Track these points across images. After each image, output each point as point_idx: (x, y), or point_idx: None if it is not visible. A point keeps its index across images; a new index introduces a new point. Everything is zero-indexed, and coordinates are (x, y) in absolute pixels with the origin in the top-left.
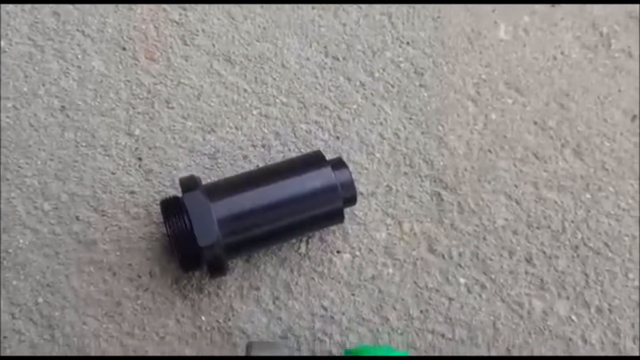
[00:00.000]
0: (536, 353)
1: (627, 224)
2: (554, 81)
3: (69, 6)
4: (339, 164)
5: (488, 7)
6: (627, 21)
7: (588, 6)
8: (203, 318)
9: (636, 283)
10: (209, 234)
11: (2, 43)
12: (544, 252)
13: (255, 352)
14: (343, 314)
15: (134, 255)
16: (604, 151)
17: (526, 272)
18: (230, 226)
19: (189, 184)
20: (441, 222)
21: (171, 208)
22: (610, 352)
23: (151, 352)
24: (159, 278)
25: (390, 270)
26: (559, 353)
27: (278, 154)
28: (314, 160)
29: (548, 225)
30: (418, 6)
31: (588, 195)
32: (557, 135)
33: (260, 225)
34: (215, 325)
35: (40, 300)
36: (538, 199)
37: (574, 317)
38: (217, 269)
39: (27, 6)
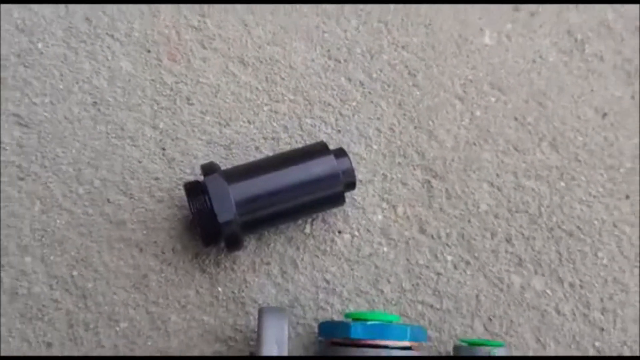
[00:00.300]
0: (514, 323)
1: (597, 210)
2: (533, 82)
3: (100, 12)
4: (340, 153)
5: (475, 15)
6: (599, 28)
7: (564, 14)
8: (219, 289)
9: (605, 261)
10: (228, 211)
11: (40, 45)
12: (522, 234)
13: (265, 316)
14: (343, 286)
15: (158, 234)
16: (577, 144)
17: (506, 251)
18: (245, 206)
19: (210, 168)
20: (431, 206)
21: (194, 190)
22: (580, 323)
23: (173, 319)
24: (181, 254)
25: (385, 249)
26: (535, 323)
27: (286, 145)
28: (318, 150)
29: (526, 209)
30: (411, 14)
31: (562, 184)
32: (535, 130)
33: (270, 206)
34: (231, 295)
35: (75, 273)
36: (517, 187)
37: (548, 291)
38: (234, 244)
39: (62, 12)
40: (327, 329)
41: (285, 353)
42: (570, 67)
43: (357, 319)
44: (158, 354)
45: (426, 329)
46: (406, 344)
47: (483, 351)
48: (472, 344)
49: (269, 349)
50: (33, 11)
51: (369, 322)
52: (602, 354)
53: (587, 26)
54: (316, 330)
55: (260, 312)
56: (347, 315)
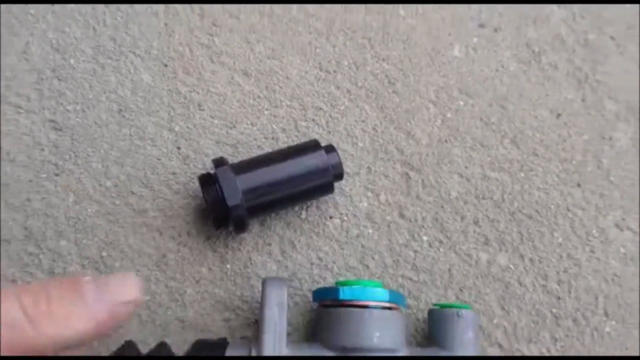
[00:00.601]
0: (482, 293)
1: (553, 196)
2: (496, 88)
3: (123, 33)
4: (330, 149)
5: (445, 31)
6: (554, 42)
7: (523, 30)
8: (228, 266)
9: (560, 240)
10: (235, 197)
11: (72, 61)
12: (488, 217)
13: (268, 284)
14: (334, 263)
15: (175, 220)
16: (535, 141)
17: (474, 232)
18: (250, 193)
19: (219, 162)
20: (409, 194)
21: (207, 180)
22: (540, 293)
23: (189, 292)
24: (195, 237)
25: (370, 231)
26: (500, 293)
27: (284, 144)
28: (311, 146)
29: (491, 196)
30: (391, 31)
31: (522, 174)
32: (498, 129)
33: (271, 194)
34: (238, 271)
35: (104, 254)
36: (483, 177)
37: (511, 266)
38: (240, 226)
39: (91, 33)
40: (319, 294)
41: (284, 314)
42: (529, 75)
43: (344, 284)
44: (177, 322)
45: (405, 296)
46: (386, 304)
47: (451, 312)
48: (443, 306)
49: (270, 310)
50: (65, 32)
51: (355, 286)
52: (559, 319)
53: (543, 40)
54: (311, 299)
55: (264, 281)
56: (337, 283)
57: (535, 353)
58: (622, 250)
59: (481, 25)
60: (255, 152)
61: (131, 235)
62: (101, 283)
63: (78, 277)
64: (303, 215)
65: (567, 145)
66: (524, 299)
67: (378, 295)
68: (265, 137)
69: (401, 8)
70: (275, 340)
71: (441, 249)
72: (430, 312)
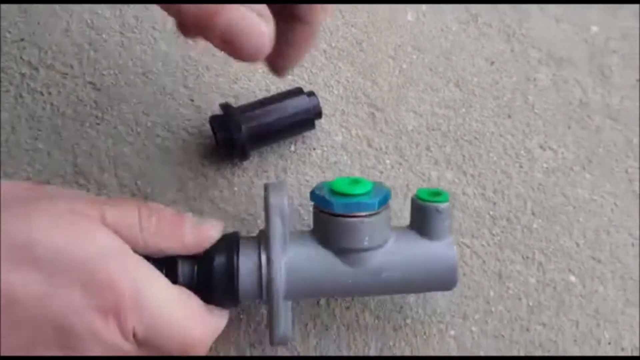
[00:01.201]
0: None
1: (488, 126)
2: (442, 44)
3: (144, 12)
4: (311, 93)
5: (400, 2)
6: (487, 6)
7: None
8: (235, 189)
9: (495, 159)
10: (239, 127)
11: (104, 36)
12: (437, 144)
13: (270, 189)
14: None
15: (193, 155)
16: (474, 84)
17: (426, 155)
18: (250, 128)
19: (226, 105)
20: (374, 129)
21: (216, 118)
22: (480, 200)
23: (206, 210)
24: (208, 167)
25: (345, 158)
26: None
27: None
28: (296, 92)
29: (439, 128)
30: (358, 5)
31: (463, 110)
32: (444, 76)
33: (266, 128)
34: (243, 192)
35: (139, 182)
36: (433, 114)
37: (456, 180)
38: (243, 154)
39: (117, 13)
40: (317, 199)
41: (287, 217)
42: (468, 32)
43: (338, 193)
44: None
45: (389, 188)
46: (374, 212)
47: (431, 207)
48: (424, 200)
49: (274, 210)
50: (98, 14)
51: (348, 200)
52: (495, 219)
53: (479, 5)
54: (300, 213)
55: (266, 186)
56: (331, 185)
57: (477, 246)
58: (544, 165)
59: None
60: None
61: (159, 168)
62: (197, 221)
63: (185, 213)
64: (292, 148)
65: (499, 86)
66: (467, 205)
67: (369, 207)
68: (259, 89)
69: None
70: (280, 242)
71: (401, 170)
72: (413, 201)
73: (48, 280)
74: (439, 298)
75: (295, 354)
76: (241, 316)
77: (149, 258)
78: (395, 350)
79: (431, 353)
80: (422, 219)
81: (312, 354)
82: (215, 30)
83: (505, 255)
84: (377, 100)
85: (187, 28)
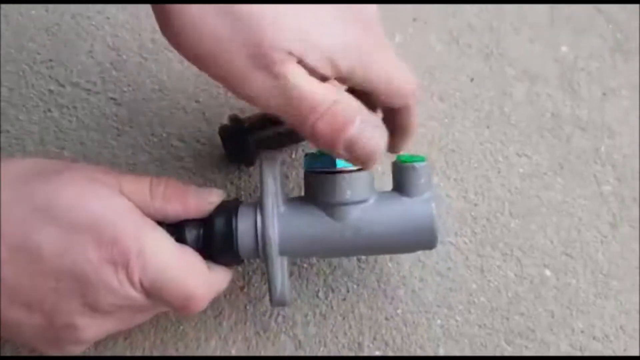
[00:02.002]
0: None
1: (469, 135)
2: (427, 62)
3: (159, 36)
4: None
5: (389, 25)
6: (468, 28)
7: (446, 21)
8: (242, 192)
9: (475, 165)
10: (245, 137)
11: (124, 57)
12: (423, 151)
13: (264, 156)
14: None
15: (203, 162)
16: (456, 97)
17: None
18: (255, 138)
19: (234, 116)
20: None
21: (225, 130)
22: (462, 202)
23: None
24: (217, 173)
25: None
26: None
27: None
28: None
29: (425, 137)
30: None
31: (447, 121)
32: (429, 90)
33: (270, 137)
34: (249, 195)
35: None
36: (419, 124)
37: (441, 184)
38: (249, 161)
39: (137, 36)
40: (306, 162)
41: (278, 179)
42: (450, 52)
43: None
44: None
45: None
46: (355, 168)
47: (407, 165)
48: (402, 161)
49: (266, 176)
50: (118, 37)
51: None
52: (476, 219)
53: (460, 28)
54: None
55: (261, 158)
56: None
57: (460, 244)
58: (520, 170)
59: (414, 19)
60: None
61: (173, 174)
62: (200, 188)
63: (189, 183)
64: (293, 156)
65: (479, 100)
66: (451, 206)
67: (348, 164)
68: None
69: None
70: (273, 200)
71: (390, 175)
72: (393, 164)
73: (66, 236)
74: (427, 291)
75: (297, 341)
76: (247, 307)
77: (162, 224)
78: (387, 338)
79: (420, 340)
80: (401, 178)
81: (312, 341)
82: (340, 144)
83: (486, 251)
84: None
85: (314, 141)
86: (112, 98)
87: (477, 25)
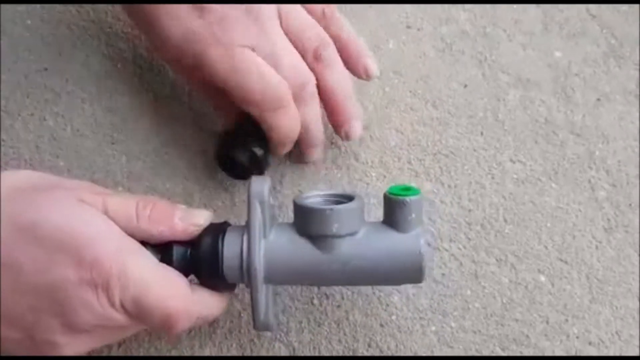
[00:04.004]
0: None
1: (463, 142)
2: (420, 69)
3: None
4: None
5: (383, 32)
6: (461, 35)
7: (439, 28)
8: (236, 199)
9: (469, 171)
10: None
11: (119, 66)
12: (417, 158)
13: (253, 179)
14: None
15: (198, 170)
16: (449, 104)
17: (407, 168)
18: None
19: (225, 132)
20: (361, 145)
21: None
22: (456, 208)
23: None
24: (212, 180)
25: (335, 171)
26: (427, 209)
27: None
28: None
29: (419, 144)
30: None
31: (440, 127)
32: (422, 97)
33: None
34: (243, 202)
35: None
36: (413, 131)
37: (435, 190)
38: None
39: (132, 45)
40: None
41: (266, 205)
42: (443, 59)
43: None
44: None
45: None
46: (344, 200)
47: (398, 200)
48: (393, 194)
49: (254, 201)
50: (113, 46)
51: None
52: (471, 225)
53: (453, 34)
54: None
55: (250, 181)
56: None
57: (454, 250)
58: (514, 176)
59: (408, 27)
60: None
61: (167, 182)
62: (188, 210)
63: (177, 204)
64: (287, 163)
65: (472, 106)
66: (445, 212)
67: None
68: None
69: (351, 17)
70: (260, 227)
71: (385, 181)
72: (384, 196)
73: (48, 256)
74: (422, 297)
75: (291, 348)
76: (241, 314)
77: (148, 244)
78: (381, 344)
79: (414, 347)
80: (391, 212)
81: (307, 348)
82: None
83: (480, 257)
84: (364, 119)
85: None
86: (107, 106)
87: (470, 32)
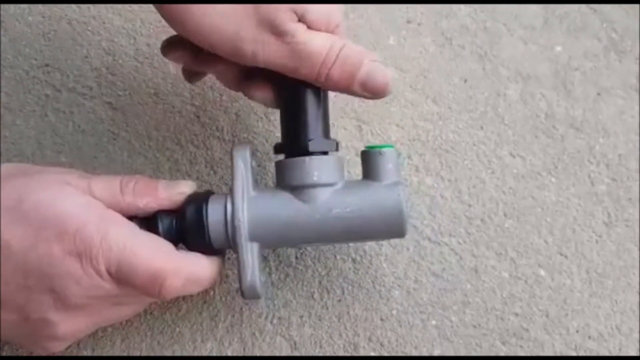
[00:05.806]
0: (415, 204)
1: (463, 136)
2: (421, 64)
3: (155, 40)
4: None
5: (383, 28)
6: (461, 30)
7: (439, 23)
8: None
9: (469, 166)
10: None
11: (120, 61)
12: (417, 152)
13: (236, 144)
14: None
15: (198, 165)
16: (450, 99)
17: (408, 163)
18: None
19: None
20: (362, 140)
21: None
22: (456, 202)
23: None
24: (212, 175)
25: None
26: (427, 203)
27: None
28: None
29: (419, 138)
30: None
31: (441, 122)
32: (423, 92)
33: None
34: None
35: None
36: (414, 126)
37: (435, 185)
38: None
39: (132, 40)
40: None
41: (249, 167)
42: (444, 54)
43: None
44: None
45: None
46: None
47: (375, 152)
48: (370, 148)
49: (237, 164)
50: (114, 41)
51: None
52: (471, 219)
53: (453, 29)
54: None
55: (232, 147)
56: None
57: (454, 244)
58: (514, 171)
59: (408, 22)
60: (252, 117)
61: (168, 177)
62: (171, 181)
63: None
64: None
65: (473, 101)
66: (445, 207)
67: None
68: (259, 106)
69: (350, 12)
70: (244, 185)
71: None
72: (362, 153)
73: (33, 233)
74: (422, 291)
75: (292, 342)
76: (243, 309)
77: (134, 218)
78: (382, 339)
79: (415, 341)
80: (369, 165)
81: (308, 343)
82: (355, 85)
83: (480, 252)
84: (364, 114)
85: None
86: (108, 102)
87: (471, 27)
